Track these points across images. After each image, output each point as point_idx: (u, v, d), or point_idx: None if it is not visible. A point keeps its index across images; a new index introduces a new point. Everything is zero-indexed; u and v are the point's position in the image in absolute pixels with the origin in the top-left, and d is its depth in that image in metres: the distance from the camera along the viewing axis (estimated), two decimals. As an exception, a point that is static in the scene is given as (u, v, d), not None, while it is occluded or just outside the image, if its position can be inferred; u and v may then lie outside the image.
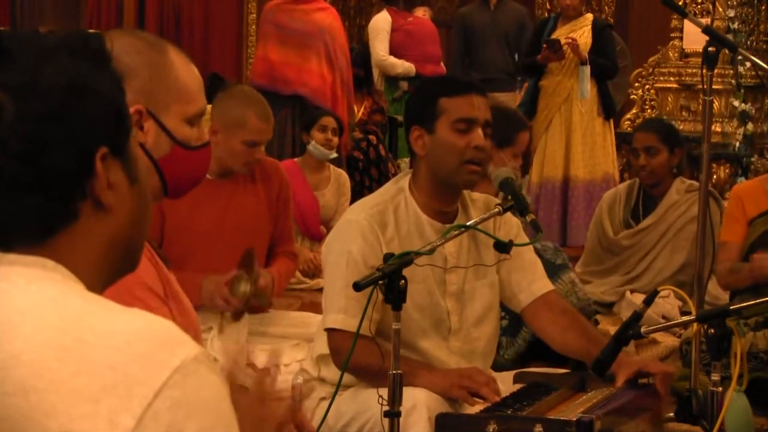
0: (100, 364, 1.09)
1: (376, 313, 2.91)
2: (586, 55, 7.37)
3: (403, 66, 8.45)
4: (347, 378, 2.93)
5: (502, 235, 3.07)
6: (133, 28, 9.43)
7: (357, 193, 6.93)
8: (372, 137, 8.04)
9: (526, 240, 3.24)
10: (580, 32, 7.53)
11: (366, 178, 7.88)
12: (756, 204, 4.68)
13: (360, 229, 3.07)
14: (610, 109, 7.65)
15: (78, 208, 1.22)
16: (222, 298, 3.90)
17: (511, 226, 3.22)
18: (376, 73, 8.68)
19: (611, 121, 7.78)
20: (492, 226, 3.17)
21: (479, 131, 3.08)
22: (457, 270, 3.15)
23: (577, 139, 7.55)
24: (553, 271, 4.42)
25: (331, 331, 3.06)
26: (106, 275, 1.27)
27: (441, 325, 3.15)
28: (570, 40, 7.34)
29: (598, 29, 7.53)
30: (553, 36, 7.49)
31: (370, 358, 2.90)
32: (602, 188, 7.14)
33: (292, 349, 4.09)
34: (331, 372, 3.13)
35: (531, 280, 3.25)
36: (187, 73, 2.02)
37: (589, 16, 7.68)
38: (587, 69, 7.39)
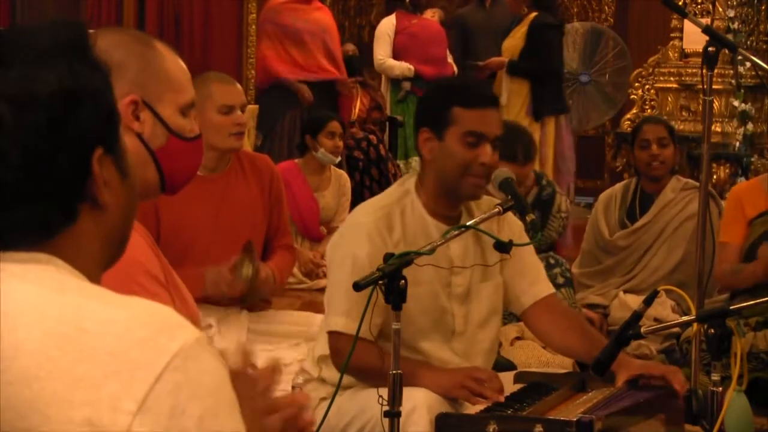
0: (101, 351, 1.10)
1: (378, 316, 2.91)
2: (507, 60, 7.67)
3: (400, 68, 8.47)
4: (348, 378, 2.93)
5: (503, 237, 3.06)
6: (131, 27, 9.42)
7: (357, 193, 6.93)
8: (372, 137, 8.05)
9: (528, 242, 3.24)
10: (518, 33, 7.68)
11: (366, 177, 7.87)
12: (755, 204, 4.68)
13: (367, 231, 3.05)
14: (539, 110, 7.65)
15: (76, 211, 1.22)
16: (226, 283, 3.92)
17: (512, 228, 3.21)
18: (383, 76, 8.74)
19: (547, 120, 7.73)
20: (495, 227, 3.16)
21: (488, 147, 3.04)
22: (463, 272, 3.14)
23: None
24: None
25: (332, 334, 3.05)
26: (102, 266, 1.28)
27: (444, 327, 3.14)
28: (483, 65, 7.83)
29: (532, 30, 7.60)
30: (508, 38, 7.76)
31: (371, 360, 2.90)
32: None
33: (293, 348, 4.10)
34: (332, 372, 3.13)
35: (532, 283, 3.24)
36: (175, 64, 2.04)
37: (531, 17, 7.70)
38: (501, 72, 7.76)
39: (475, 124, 3.04)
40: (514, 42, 7.69)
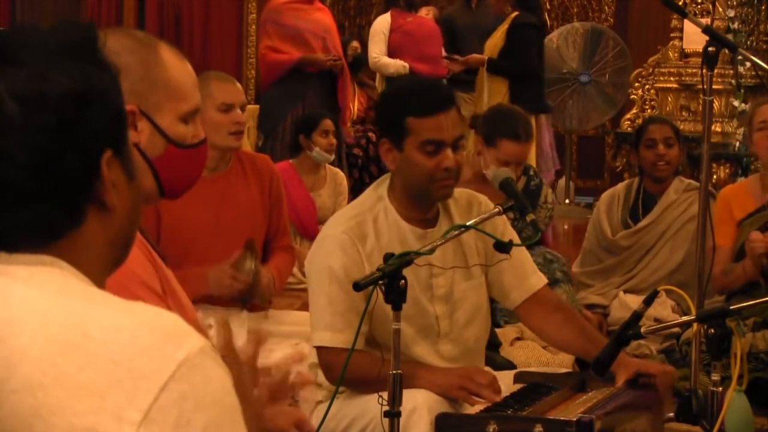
0: (105, 359, 1.08)
1: (364, 324, 2.88)
2: (486, 58, 7.80)
3: (395, 66, 8.46)
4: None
5: (489, 232, 3.02)
6: (131, 27, 9.42)
7: (357, 191, 6.92)
8: (371, 134, 8.06)
9: (513, 233, 3.23)
10: (498, 32, 7.73)
11: (365, 175, 7.89)
12: (742, 206, 4.70)
13: (339, 243, 3.02)
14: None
15: (84, 213, 1.21)
16: (229, 278, 3.92)
17: (496, 224, 3.15)
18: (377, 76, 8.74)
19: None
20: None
21: (448, 152, 3.00)
22: (444, 273, 3.11)
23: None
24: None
25: (320, 350, 3.03)
26: (107, 270, 1.27)
27: (429, 330, 3.11)
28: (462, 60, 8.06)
29: (512, 29, 7.63)
30: (490, 37, 7.83)
31: (364, 371, 2.88)
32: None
33: (292, 348, 4.09)
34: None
35: (522, 278, 3.21)
36: (179, 70, 2.01)
37: (512, 16, 7.72)
38: (482, 70, 7.88)
39: (432, 132, 3.00)
40: (494, 41, 7.78)
